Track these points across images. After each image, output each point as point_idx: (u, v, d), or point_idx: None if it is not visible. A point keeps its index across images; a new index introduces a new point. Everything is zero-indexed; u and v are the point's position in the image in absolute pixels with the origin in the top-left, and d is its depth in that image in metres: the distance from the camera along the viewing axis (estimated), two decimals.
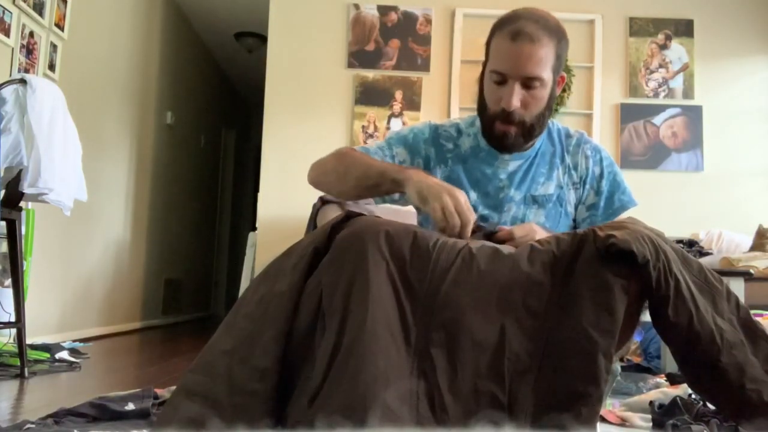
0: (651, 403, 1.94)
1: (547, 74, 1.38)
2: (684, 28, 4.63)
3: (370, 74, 4.58)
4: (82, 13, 3.90)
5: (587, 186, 1.53)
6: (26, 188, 2.38)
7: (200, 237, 6.96)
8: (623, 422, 1.88)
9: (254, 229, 4.57)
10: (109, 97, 4.45)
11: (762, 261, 3.10)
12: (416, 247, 1.11)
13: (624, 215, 1.47)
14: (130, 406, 1.71)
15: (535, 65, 1.36)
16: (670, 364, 2.79)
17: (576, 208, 1.54)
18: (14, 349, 2.64)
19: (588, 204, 1.54)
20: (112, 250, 4.61)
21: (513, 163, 1.49)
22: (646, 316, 1.14)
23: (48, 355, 2.83)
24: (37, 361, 2.72)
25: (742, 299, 1.14)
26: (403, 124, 4.52)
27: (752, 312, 1.17)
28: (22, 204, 2.59)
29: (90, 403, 1.74)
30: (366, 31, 4.62)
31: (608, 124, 4.58)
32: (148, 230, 5.28)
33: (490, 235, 1.32)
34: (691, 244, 3.54)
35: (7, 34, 3.16)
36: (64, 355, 2.88)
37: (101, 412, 1.68)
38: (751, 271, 2.86)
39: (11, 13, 3.19)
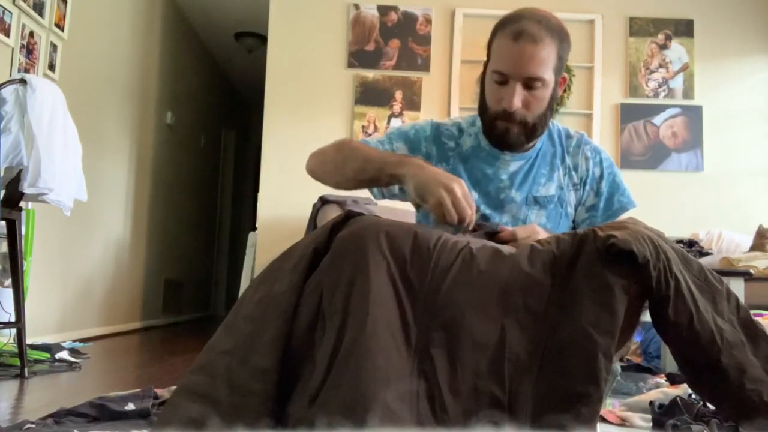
0: (651, 403, 1.94)
1: (548, 75, 1.38)
2: (684, 28, 4.63)
3: (370, 74, 4.58)
4: (82, 13, 3.90)
5: (587, 187, 1.53)
6: (26, 188, 2.38)
7: (200, 237, 6.96)
8: (623, 422, 1.88)
9: (254, 229, 4.57)
10: (109, 97, 4.45)
11: (762, 261, 3.10)
12: (417, 247, 1.11)
13: (623, 216, 1.47)
14: (130, 406, 1.72)
15: (537, 66, 1.36)
16: (670, 364, 2.80)
17: (576, 209, 1.54)
18: (14, 349, 2.64)
19: (588, 205, 1.54)
20: (112, 250, 4.61)
21: (514, 164, 1.49)
22: (646, 316, 1.14)
23: (48, 355, 2.83)
24: (37, 361, 2.72)
25: (742, 299, 1.14)
26: (403, 124, 4.51)
27: (752, 312, 1.17)
28: (22, 204, 2.59)
29: (90, 403, 1.74)
30: (366, 31, 4.62)
31: (608, 124, 4.58)
32: (148, 230, 5.28)
33: (493, 235, 1.32)
34: (691, 244, 3.54)
35: (7, 34, 3.16)
36: (64, 355, 2.88)
37: (101, 412, 1.68)
38: (751, 271, 2.87)
39: (11, 13, 3.19)
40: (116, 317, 4.65)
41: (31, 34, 3.37)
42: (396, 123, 4.52)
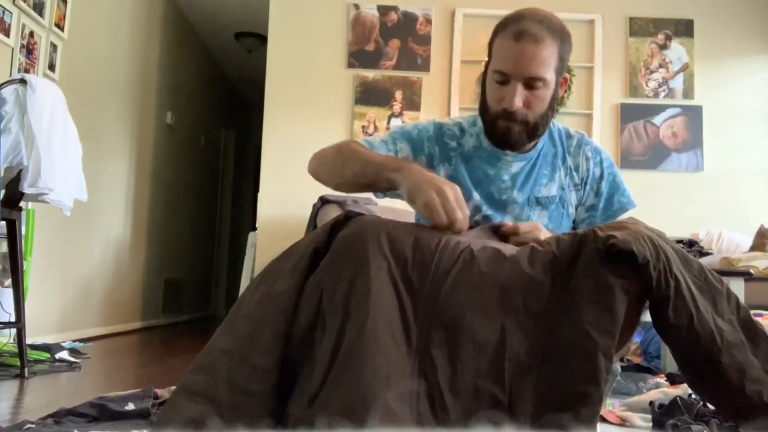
0: (651, 403, 1.94)
1: (549, 75, 1.38)
2: (684, 28, 4.63)
3: (370, 74, 4.58)
4: (82, 13, 3.90)
5: (587, 187, 1.53)
6: (26, 188, 2.38)
7: (200, 237, 6.96)
8: (623, 422, 1.88)
9: (254, 229, 4.57)
10: (109, 97, 4.45)
11: (762, 261, 3.10)
12: (418, 247, 1.11)
13: (623, 216, 1.48)
14: (130, 406, 1.72)
15: (539, 66, 1.36)
16: (670, 364, 2.80)
17: (576, 209, 1.54)
18: (14, 349, 2.64)
19: (587, 205, 1.54)
20: (112, 250, 4.61)
21: (516, 165, 1.49)
22: (646, 316, 1.14)
23: (48, 355, 2.83)
24: (37, 361, 2.72)
25: (742, 299, 1.14)
26: (403, 124, 4.51)
27: (752, 312, 1.17)
28: (22, 204, 2.59)
29: (90, 403, 1.74)
30: (366, 31, 4.62)
31: (608, 124, 4.58)
32: (148, 230, 5.28)
33: (496, 229, 1.33)
34: (691, 244, 3.54)
35: (7, 34, 3.16)
36: (64, 355, 2.88)
37: (101, 412, 1.68)
38: (751, 271, 2.87)
39: (11, 13, 3.19)
40: (116, 317, 4.65)
41: (31, 34, 3.37)
42: (396, 123, 4.52)
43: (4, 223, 2.51)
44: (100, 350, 3.55)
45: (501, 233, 1.31)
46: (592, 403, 1.00)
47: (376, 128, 4.52)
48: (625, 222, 1.15)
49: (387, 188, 1.35)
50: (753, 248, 3.45)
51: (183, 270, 6.23)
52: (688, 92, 4.60)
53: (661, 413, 1.83)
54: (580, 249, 1.10)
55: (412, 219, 1.56)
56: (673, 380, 2.53)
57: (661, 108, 4.59)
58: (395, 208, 3.47)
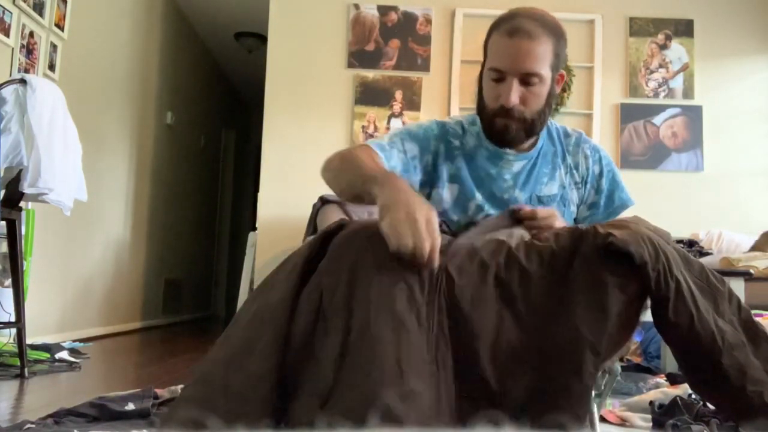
0: (651, 403, 1.94)
1: (545, 71, 1.38)
2: (684, 28, 4.63)
3: (370, 74, 4.58)
4: (82, 13, 3.90)
5: (588, 185, 1.54)
6: (26, 188, 2.38)
7: (200, 237, 6.96)
8: (623, 422, 1.89)
9: (254, 229, 4.57)
10: (109, 97, 4.45)
11: (762, 261, 3.10)
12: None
13: (624, 214, 1.48)
14: (130, 406, 1.72)
15: (533, 61, 1.36)
16: (670, 364, 2.80)
17: (578, 207, 1.55)
18: (14, 349, 2.64)
19: (589, 203, 1.55)
20: (112, 250, 4.61)
21: (517, 164, 1.49)
22: (646, 316, 1.14)
23: (48, 355, 2.83)
24: (37, 361, 2.72)
25: (742, 299, 1.14)
26: (403, 124, 4.51)
27: (753, 312, 1.17)
28: (22, 204, 2.59)
29: (90, 403, 1.74)
30: (366, 31, 4.62)
31: (608, 124, 4.58)
32: (148, 230, 5.28)
33: (514, 213, 1.34)
34: (691, 244, 3.54)
35: (7, 34, 3.16)
36: (64, 355, 2.88)
37: (101, 412, 1.68)
38: (751, 271, 2.87)
39: (11, 13, 3.19)
40: (116, 317, 4.65)
41: (31, 34, 3.37)
42: (396, 123, 4.52)
43: (4, 223, 2.51)
44: (100, 350, 3.55)
45: (519, 217, 1.32)
46: (573, 396, 1.01)
47: (376, 128, 4.52)
48: (627, 221, 1.15)
49: (370, 202, 1.25)
50: (754, 248, 3.45)
51: (183, 270, 6.23)
52: (688, 92, 4.60)
53: (661, 413, 1.83)
54: (579, 245, 1.11)
55: None
56: (673, 380, 2.53)
57: (661, 108, 4.59)
58: None
